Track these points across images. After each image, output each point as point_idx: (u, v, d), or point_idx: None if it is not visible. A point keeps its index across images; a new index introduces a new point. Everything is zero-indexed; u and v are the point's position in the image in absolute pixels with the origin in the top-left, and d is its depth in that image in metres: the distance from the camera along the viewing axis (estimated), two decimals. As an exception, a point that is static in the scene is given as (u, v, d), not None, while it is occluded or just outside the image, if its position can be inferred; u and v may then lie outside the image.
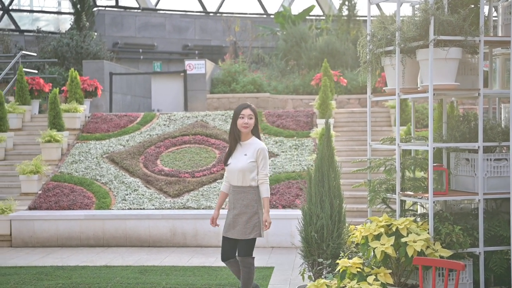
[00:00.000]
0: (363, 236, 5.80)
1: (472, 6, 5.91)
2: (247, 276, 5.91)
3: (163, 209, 10.39)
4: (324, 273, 6.37)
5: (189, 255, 9.27)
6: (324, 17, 23.53)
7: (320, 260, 6.35)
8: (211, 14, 25.71)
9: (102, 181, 11.23)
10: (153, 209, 10.39)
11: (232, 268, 6.00)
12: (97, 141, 12.69)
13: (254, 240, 5.91)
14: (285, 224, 9.68)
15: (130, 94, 19.15)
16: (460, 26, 5.70)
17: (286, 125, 12.85)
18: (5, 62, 17.47)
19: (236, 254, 5.95)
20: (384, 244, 5.59)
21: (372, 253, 5.69)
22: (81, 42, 19.49)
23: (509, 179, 5.88)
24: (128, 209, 10.42)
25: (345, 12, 21.67)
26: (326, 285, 5.66)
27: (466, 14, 5.74)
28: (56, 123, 12.59)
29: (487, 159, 5.90)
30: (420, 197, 5.93)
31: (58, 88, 13.34)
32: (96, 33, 21.18)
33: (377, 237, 5.70)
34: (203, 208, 10.32)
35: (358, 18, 21.68)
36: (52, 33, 22.53)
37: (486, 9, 6.25)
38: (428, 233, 5.67)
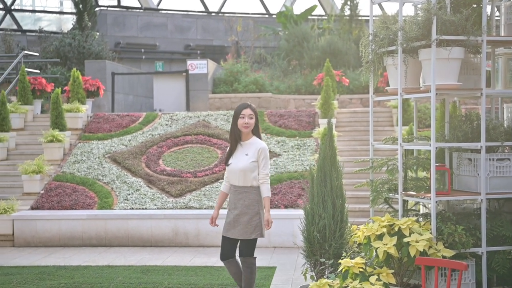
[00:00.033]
0: (365, 236, 5.80)
1: (475, 5, 5.90)
2: (249, 276, 5.91)
3: (165, 209, 10.39)
4: (326, 273, 6.37)
5: (191, 255, 9.27)
6: (326, 17, 23.53)
7: (322, 260, 6.35)
8: (213, 14, 25.72)
9: (104, 181, 11.24)
10: (155, 209, 10.40)
11: (231, 269, 5.96)
12: (99, 141, 12.69)
13: (255, 240, 5.91)
14: (287, 224, 9.67)
15: (132, 94, 19.16)
16: (462, 26, 5.70)
17: (288, 125, 12.85)
18: (8, 62, 17.48)
19: (238, 255, 5.95)
20: (386, 244, 5.59)
21: (375, 253, 5.69)
22: (83, 42, 19.50)
23: (512, 179, 5.88)
24: (130, 209, 10.42)
25: (347, 12, 21.65)
26: (328, 285, 5.65)
27: (469, 13, 5.73)
28: (58, 123, 12.60)
29: (490, 159, 5.89)
30: (423, 197, 5.93)
31: (60, 88, 13.36)
32: (98, 33, 21.19)
33: (380, 237, 5.70)
34: (205, 208, 10.32)
35: (360, 18, 21.66)
36: (54, 33, 22.54)
37: (488, 8, 6.24)
38: (431, 233, 5.67)
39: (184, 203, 10.52)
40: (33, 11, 26.11)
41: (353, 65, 19.09)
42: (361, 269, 5.53)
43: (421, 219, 6.13)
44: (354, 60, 19.20)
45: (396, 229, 5.69)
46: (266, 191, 5.84)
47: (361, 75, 6.55)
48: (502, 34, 6.48)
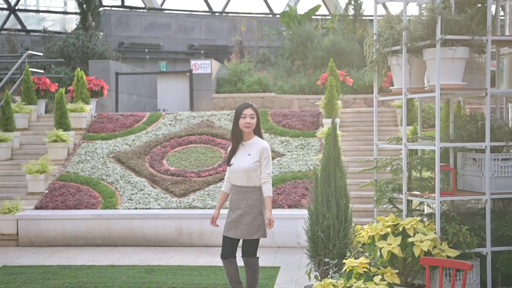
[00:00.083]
0: (369, 236, 5.79)
1: (479, 5, 5.89)
2: (252, 277, 5.91)
3: (169, 208, 10.40)
4: (330, 273, 6.36)
5: (195, 254, 9.27)
6: (330, 17, 23.51)
7: (327, 260, 6.34)
8: (217, 14, 25.72)
9: (108, 180, 11.25)
10: (159, 208, 10.40)
11: (229, 270, 5.92)
12: (103, 140, 12.70)
13: (258, 240, 5.91)
14: (291, 224, 9.67)
15: (136, 94, 19.17)
16: (467, 25, 5.68)
17: (292, 125, 12.84)
18: (12, 62, 17.52)
19: (241, 255, 5.95)
20: (390, 244, 5.58)
21: (379, 253, 5.68)
22: (87, 42, 19.52)
23: (517, 179, 5.86)
24: (134, 208, 10.43)
25: (351, 11, 21.64)
26: (332, 285, 5.65)
27: (473, 13, 5.72)
28: (62, 123, 12.62)
29: (494, 159, 5.88)
30: (427, 197, 5.91)
31: (64, 88, 13.37)
32: (102, 33, 21.21)
33: (384, 237, 5.69)
34: (209, 208, 10.32)
35: (364, 17, 21.64)
36: (58, 33, 22.57)
37: (493, 8, 6.22)
38: (435, 233, 5.65)
39: (188, 203, 10.52)
40: (37, 11, 26.15)
41: (357, 65, 19.08)
42: (365, 269, 5.53)
43: (425, 219, 6.12)
44: (358, 60, 19.18)
45: (401, 229, 5.68)
46: (268, 191, 5.83)
47: (365, 75, 6.54)
48: (507, 34, 6.46)
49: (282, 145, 12.09)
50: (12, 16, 24.22)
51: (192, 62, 17.91)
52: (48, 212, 10.38)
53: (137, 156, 11.94)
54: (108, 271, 8.13)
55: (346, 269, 5.62)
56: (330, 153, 6.53)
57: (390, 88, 6.57)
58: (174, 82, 19.23)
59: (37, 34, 22.86)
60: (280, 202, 10.21)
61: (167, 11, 25.51)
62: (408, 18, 6.00)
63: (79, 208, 10.52)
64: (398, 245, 5.56)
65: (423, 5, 6.17)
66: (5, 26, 23.51)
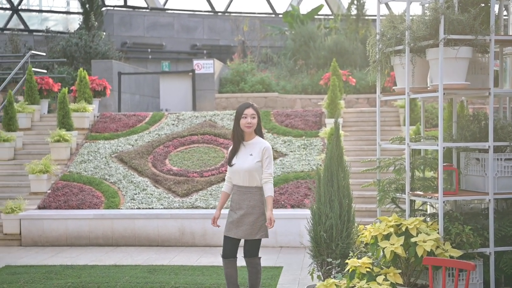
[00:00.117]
0: (372, 236, 5.78)
1: (483, 4, 5.87)
2: (254, 277, 5.90)
3: (171, 208, 10.40)
4: (333, 273, 6.36)
5: (198, 254, 9.27)
6: (332, 17, 23.49)
7: (329, 260, 6.33)
8: (219, 13, 25.72)
9: (111, 180, 11.25)
10: (161, 208, 10.40)
11: (228, 270, 5.91)
12: (106, 140, 12.71)
13: (260, 240, 5.91)
14: (294, 224, 9.67)
15: (139, 94, 19.18)
16: (470, 25, 5.67)
17: (294, 124, 12.84)
18: (15, 62, 17.54)
19: (243, 255, 5.94)
20: (393, 244, 5.57)
21: (382, 253, 5.67)
22: (89, 41, 19.53)
23: (520, 179, 5.85)
24: (136, 208, 10.43)
25: (353, 11, 21.60)
26: (335, 285, 5.64)
27: (477, 13, 5.71)
28: (65, 123, 12.63)
29: (498, 159, 5.87)
30: (430, 197, 5.91)
31: (67, 88, 13.39)
32: (104, 33, 21.22)
33: (387, 237, 5.68)
34: (211, 208, 10.32)
35: (367, 17, 21.61)
36: (61, 33, 22.59)
37: (496, 8, 6.21)
38: (438, 233, 5.65)
39: (190, 202, 10.52)
40: (40, 11, 26.18)
41: (360, 64, 19.06)
42: (368, 269, 5.52)
43: (428, 219, 6.11)
44: (360, 59, 19.17)
45: (403, 229, 5.67)
46: (269, 190, 5.82)
47: (368, 75, 6.53)
48: (510, 33, 6.45)
49: (284, 145, 12.08)
50: (15, 16, 24.24)
51: (195, 62, 17.91)
52: (51, 212, 10.39)
53: (139, 156, 11.94)
54: (110, 271, 8.13)
55: (348, 269, 5.61)
56: (333, 153, 6.53)
57: (393, 88, 6.56)
58: (176, 82, 19.23)
59: (40, 34, 22.87)
60: (282, 202, 10.21)
61: (169, 11, 25.51)
62: (411, 17, 5.99)
63: (82, 208, 10.52)
64: (401, 245, 5.55)
65: (426, 5, 6.16)
66: (8, 26, 23.53)
